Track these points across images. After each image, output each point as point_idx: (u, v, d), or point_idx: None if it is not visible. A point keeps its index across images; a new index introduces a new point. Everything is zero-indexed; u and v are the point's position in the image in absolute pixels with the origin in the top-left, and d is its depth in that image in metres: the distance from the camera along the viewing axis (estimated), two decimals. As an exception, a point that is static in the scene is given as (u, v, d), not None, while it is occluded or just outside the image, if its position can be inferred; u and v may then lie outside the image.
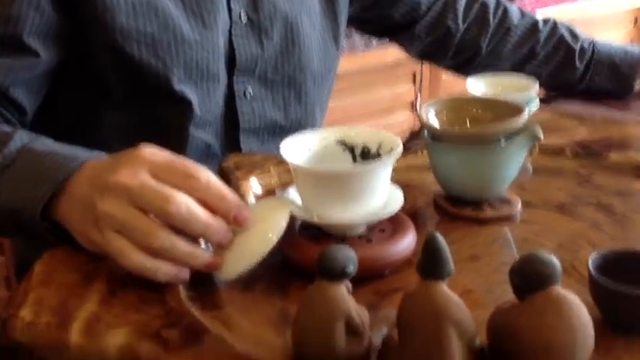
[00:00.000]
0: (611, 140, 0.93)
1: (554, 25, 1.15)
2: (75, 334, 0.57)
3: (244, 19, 0.95)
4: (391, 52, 1.71)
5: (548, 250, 0.70)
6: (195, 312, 0.62)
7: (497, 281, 0.66)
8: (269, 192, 0.84)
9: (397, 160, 0.69)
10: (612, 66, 1.13)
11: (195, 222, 0.63)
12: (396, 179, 0.72)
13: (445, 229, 0.77)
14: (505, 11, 1.16)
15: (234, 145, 0.98)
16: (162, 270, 0.63)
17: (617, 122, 1.00)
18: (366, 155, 0.73)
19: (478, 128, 0.80)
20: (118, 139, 0.93)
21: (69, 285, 0.65)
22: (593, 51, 1.14)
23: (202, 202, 0.64)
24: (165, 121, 0.93)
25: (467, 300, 0.52)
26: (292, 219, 0.68)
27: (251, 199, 0.82)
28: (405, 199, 0.71)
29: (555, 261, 0.53)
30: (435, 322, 0.50)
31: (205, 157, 0.96)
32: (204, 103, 0.94)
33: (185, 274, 0.64)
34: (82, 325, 0.59)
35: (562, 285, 0.52)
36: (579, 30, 1.17)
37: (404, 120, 2.10)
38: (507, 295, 0.54)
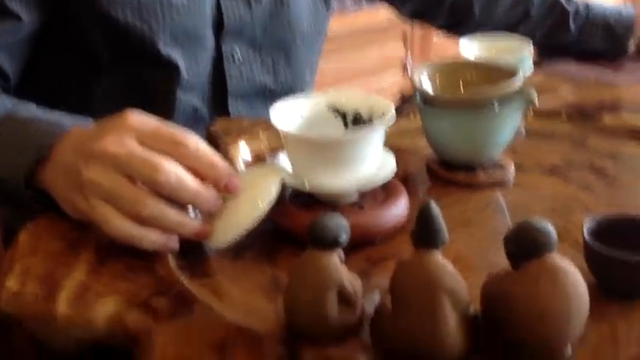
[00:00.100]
0: (605, 103, 0.92)
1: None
2: (62, 305, 0.56)
3: (232, -20, 0.93)
4: (382, 13, 1.68)
5: (542, 216, 0.70)
6: (185, 281, 0.61)
7: (490, 246, 0.66)
8: (258, 157, 0.82)
9: (389, 125, 0.68)
10: (607, 27, 1.12)
11: (184, 191, 0.62)
12: (387, 144, 0.70)
13: (437, 194, 0.76)
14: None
15: (222, 109, 0.97)
16: (150, 238, 0.62)
17: (610, 84, 0.98)
18: (357, 120, 0.72)
19: (471, 93, 0.78)
20: (105, 104, 0.92)
21: (55, 254, 0.64)
22: (588, 13, 1.12)
23: (191, 169, 0.63)
24: (152, 85, 0.92)
25: (459, 265, 0.52)
26: (283, 186, 0.67)
27: (240, 165, 0.81)
28: (397, 164, 0.70)
29: (551, 228, 0.52)
30: (429, 292, 0.49)
31: (193, 121, 0.94)
32: (192, 66, 0.92)
33: (174, 242, 0.63)
34: (69, 294, 0.58)
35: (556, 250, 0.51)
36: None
37: (394, 81, 2.09)
38: (500, 260, 0.53)
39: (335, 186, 0.67)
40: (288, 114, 0.70)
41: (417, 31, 2.07)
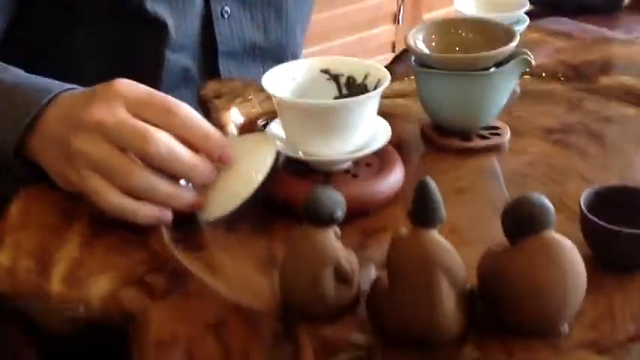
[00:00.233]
0: (602, 62, 0.91)
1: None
2: (56, 283, 0.56)
3: None
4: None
5: (537, 183, 0.70)
6: (179, 255, 0.60)
7: (486, 216, 0.65)
8: (251, 121, 0.81)
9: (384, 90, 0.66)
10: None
11: (178, 163, 0.61)
12: (381, 107, 0.69)
13: (431, 160, 0.76)
14: None
15: (212, 68, 0.95)
16: (142, 212, 0.61)
17: (607, 42, 0.97)
18: (351, 85, 0.70)
19: (468, 55, 0.76)
20: (92, 65, 0.90)
21: (47, 226, 0.63)
22: None
23: (183, 139, 0.62)
24: (140, 44, 0.89)
25: (455, 238, 0.51)
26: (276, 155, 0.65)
27: (232, 130, 0.79)
28: (391, 130, 0.69)
29: (548, 204, 0.52)
30: (426, 270, 0.49)
31: (183, 82, 0.92)
32: (180, 24, 0.89)
33: (167, 215, 0.62)
34: (63, 271, 0.57)
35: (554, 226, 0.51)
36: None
37: (386, 33, 2.05)
38: (496, 232, 0.53)
39: (329, 154, 0.66)
40: (281, 78, 0.69)
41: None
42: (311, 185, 0.63)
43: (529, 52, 0.73)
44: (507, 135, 0.77)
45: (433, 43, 0.78)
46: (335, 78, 0.71)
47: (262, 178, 0.63)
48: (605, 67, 0.90)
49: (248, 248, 0.63)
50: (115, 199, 0.61)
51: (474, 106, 0.75)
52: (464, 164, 0.74)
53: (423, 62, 0.76)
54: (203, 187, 0.63)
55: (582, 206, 0.58)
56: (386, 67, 0.91)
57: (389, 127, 0.70)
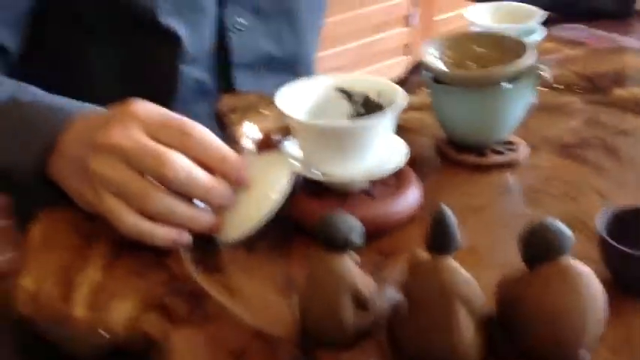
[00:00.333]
0: (615, 74, 0.90)
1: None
2: (80, 308, 0.57)
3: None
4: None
5: (554, 201, 0.69)
6: (199, 276, 0.61)
7: (504, 237, 0.65)
8: (266, 135, 0.81)
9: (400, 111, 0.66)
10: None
11: (195, 186, 0.61)
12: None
13: (446, 175, 0.76)
14: None
15: (227, 80, 0.95)
16: (160, 234, 0.62)
17: (621, 53, 0.96)
18: (366, 104, 0.71)
19: (483, 70, 0.77)
20: (109, 79, 0.91)
21: (69, 247, 0.64)
22: None
23: (200, 161, 0.62)
24: (154, 58, 0.90)
25: (473, 260, 0.52)
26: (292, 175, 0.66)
27: (248, 144, 0.80)
28: (406, 143, 0.69)
29: (564, 229, 0.52)
30: (444, 301, 0.49)
31: (198, 94, 0.93)
32: (193, 37, 0.90)
33: (185, 237, 0.63)
34: (85, 295, 0.58)
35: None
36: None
37: (398, 36, 2.04)
38: (514, 254, 0.52)
39: (345, 174, 0.67)
40: (295, 97, 0.69)
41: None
42: (327, 206, 0.64)
43: (545, 67, 0.73)
44: (523, 150, 0.77)
45: (447, 58, 0.78)
46: (349, 96, 0.71)
47: (279, 199, 0.63)
48: (619, 78, 0.89)
49: (266, 268, 0.63)
50: (132, 221, 0.61)
51: (489, 121, 0.75)
52: (479, 180, 0.74)
53: (438, 78, 0.76)
54: (220, 209, 0.64)
55: (599, 228, 0.58)
56: (402, 78, 0.92)
57: (406, 146, 0.70)
